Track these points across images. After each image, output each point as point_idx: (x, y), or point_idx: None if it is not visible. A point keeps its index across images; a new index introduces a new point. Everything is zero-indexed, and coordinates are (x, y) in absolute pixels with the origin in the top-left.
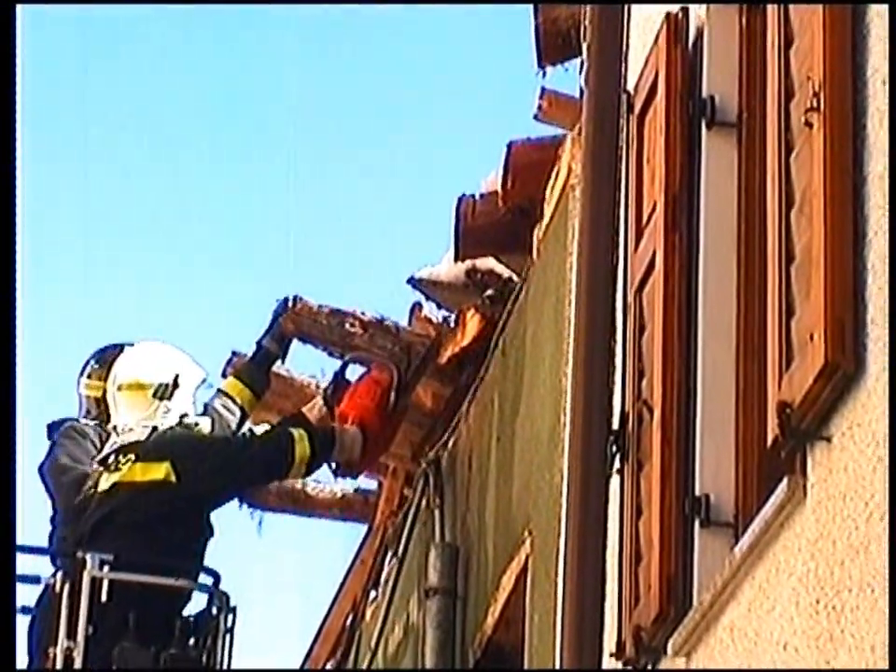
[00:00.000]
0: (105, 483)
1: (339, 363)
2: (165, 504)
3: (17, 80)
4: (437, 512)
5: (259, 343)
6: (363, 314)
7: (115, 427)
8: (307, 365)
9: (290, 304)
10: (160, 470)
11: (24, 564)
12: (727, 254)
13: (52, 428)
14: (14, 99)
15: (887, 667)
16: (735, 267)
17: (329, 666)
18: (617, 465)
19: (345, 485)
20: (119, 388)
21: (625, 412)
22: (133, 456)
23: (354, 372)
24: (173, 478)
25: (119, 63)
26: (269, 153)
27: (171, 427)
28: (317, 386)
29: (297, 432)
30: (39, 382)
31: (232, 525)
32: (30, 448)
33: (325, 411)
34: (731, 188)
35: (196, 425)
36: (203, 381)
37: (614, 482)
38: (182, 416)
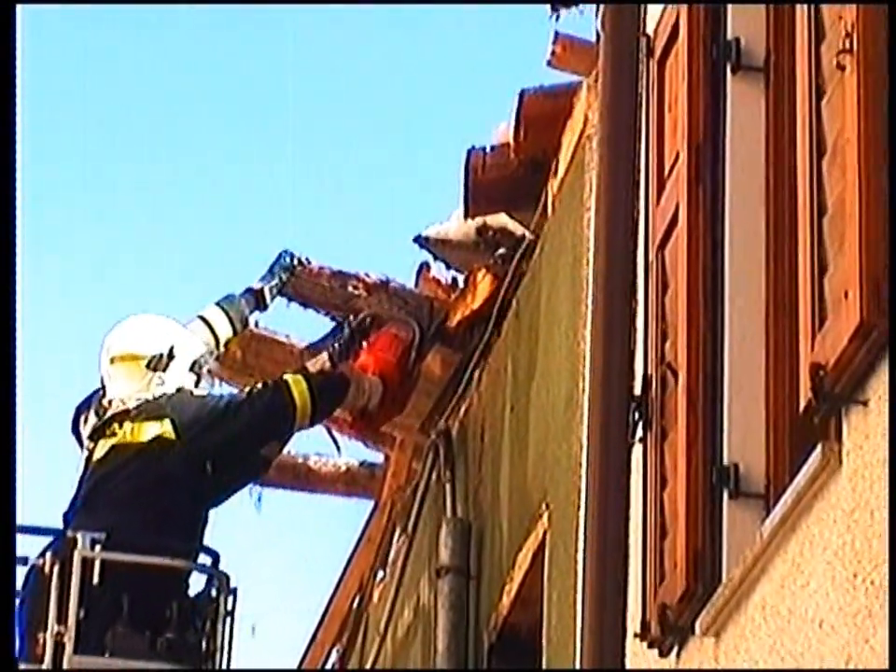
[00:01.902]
0: (100, 450)
1: (345, 325)
2: (164, 464)
3: (17, 80)
4: (448, 486)
5: (249, 288)
6: (367, 275)
7: (110, 402)
8: (307, 331)
9: (291, 260)
10: (157, 428)
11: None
12: (755, 207)
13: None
14: (14, 99)
15: (887, 667)
16: (764, 221)
17: (335, 651)
18: (639, 433)
19: (350, 459)
20: (112, 361)
21: (648, 376)
22: (129, 420)
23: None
24: (172, 435)
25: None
26: (269, 106)
27: (165, 393)
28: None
29: (291, 376)
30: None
31: (230, 502)
32: (31, 434)
33: (329, 369)
34: (758, 136)
35: (191, 393)
36: (206, 354)
37: (636, 451)
38: (178, 389)
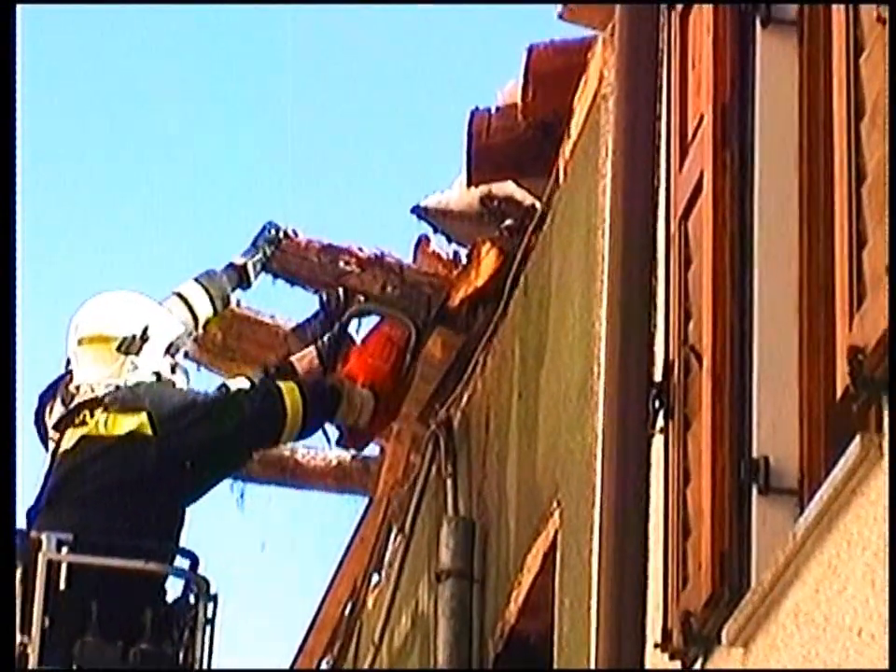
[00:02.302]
0: (68, 441)
1: (333, 307)
2: (139, 461)
3: (17, 80)
4: (449, 482)
5: (231, 264)
6: (360, 249)
7: (77, 387)
8: (294, 310)
9: (276, 233)
10: (133, 422)
11: None
12: (787, 173)
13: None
14: (14, 99)
15: (887, 667)
16: (797, 189)
17: (324, 663)
18: (660, 423)
19: (341, 451)
20: (80, 342)
21: (669, 360)
22: (101, 409)
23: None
24: (148, 430)
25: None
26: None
27: (143, 382)
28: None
29: (284, 384)
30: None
31: (210, 499)
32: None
33: (318, 367)
34: (790, 96)
35: (173, 384)
36: (184, 335)
37: (657, 442)
38: (155, 374)
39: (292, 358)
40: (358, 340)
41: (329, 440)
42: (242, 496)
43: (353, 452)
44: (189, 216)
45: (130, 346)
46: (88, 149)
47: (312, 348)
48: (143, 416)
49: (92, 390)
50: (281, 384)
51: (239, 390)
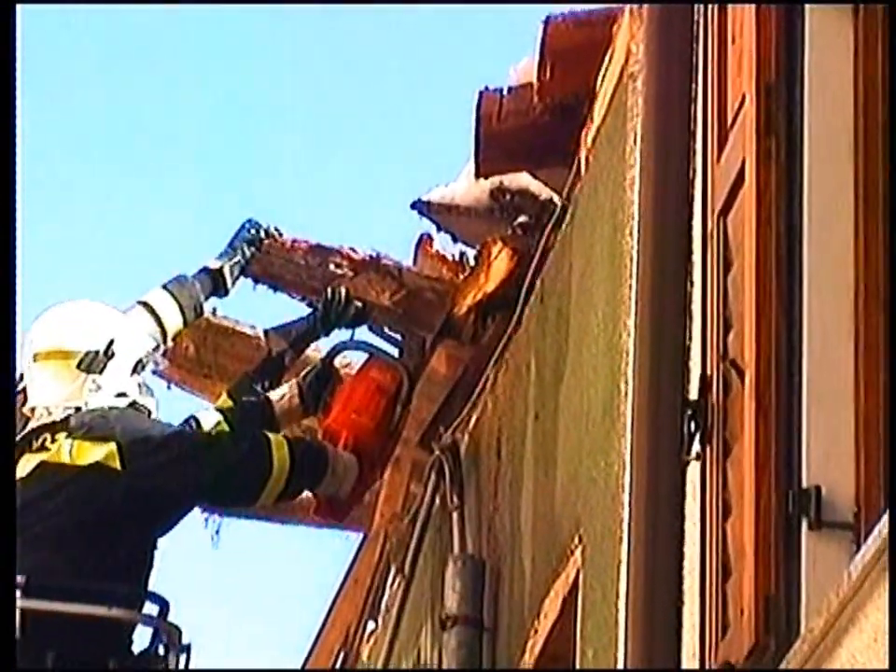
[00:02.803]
0: (24, 467)
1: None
2: (104, 496)
3: (17, 80)
4: (455, 515)
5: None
6: (353, 250)
7: (33, 409)
8: (278, 319)
9: (256, 232)
10: (101, 452)
11: None
12: (840, 162)
13: None
14: (14, 99)
15: (887, 667)
16: (852, 179)
17: None
18: (696, 448)
19: None
20: (36, 358)
21: (707, 377)
22: (64, 434)
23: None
24: (117, 464)
25: None
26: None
27: (115, 407)
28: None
29: (274, 438)
30: None
31: (182, 536)
32: None
33: (300, 409)
34: (844, 74)
35: (145, 408)
36: (151, 352)
37: (693, 470)
38: (120, 395)
39: (271, 395)
40: (344, 373)
41: (316, 512)
42: (218, 532)
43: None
44: (160, 214)
45: (92, 363)
46: (47, 146)
47: (292, 383)
48: (112, 447)
49: (49, 413)
50: (270, 436)
51: (223, 434)
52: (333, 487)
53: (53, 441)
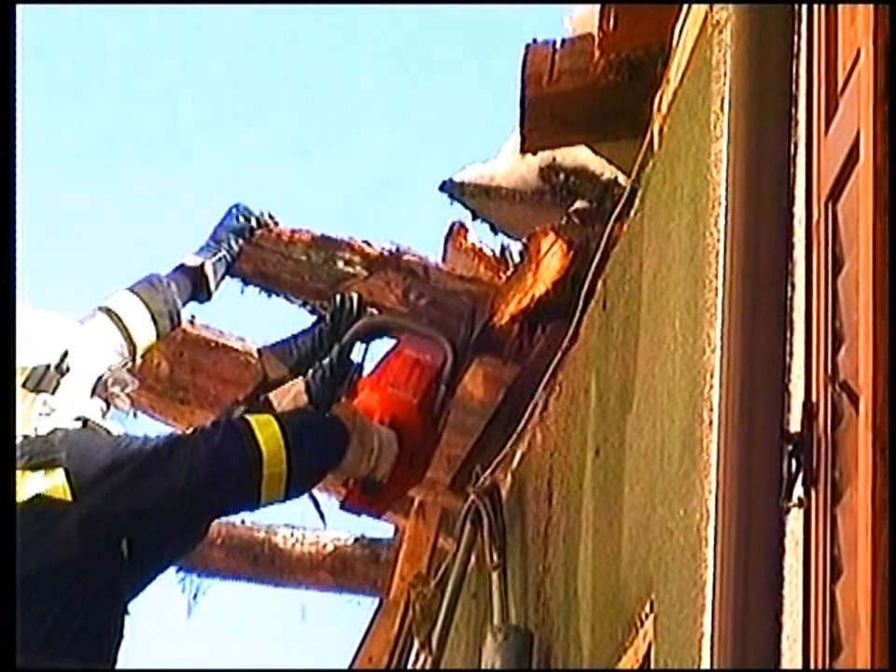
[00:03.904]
0: None
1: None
2: (51, 540)
3: (17, 81)
4: (495, 576)
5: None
6: (367, 243)
7: None
8: (273, 330)
9: (246, 221)
10: (43, 483)
11: None
12: None
13: None
14: (14, 99)
15: (887, 667)
16: None
17: None
18: (799, 492)
19: (339, 532)
20: None
21: (812, 403)
22: None
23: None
24: (66, 494)
25: None
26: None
27: (59, 428)
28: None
29: (254, 417)
30: None
31: (153, 600)
32: None
33: (306, 406)
34: None
35: (107, 432)
36: (116, 368)
37: (794, 520)
38: (81, 420)
39: (271, 395)
40: (369, 368)
41: (323, 517)
42: (195, 596)
43: (360, 532)
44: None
45: (41, 381)
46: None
47: (299, 380)
48: (58, 475)
49: None
50: (250, 417)
51: (194, 430)
52: (366, 464)
53: None
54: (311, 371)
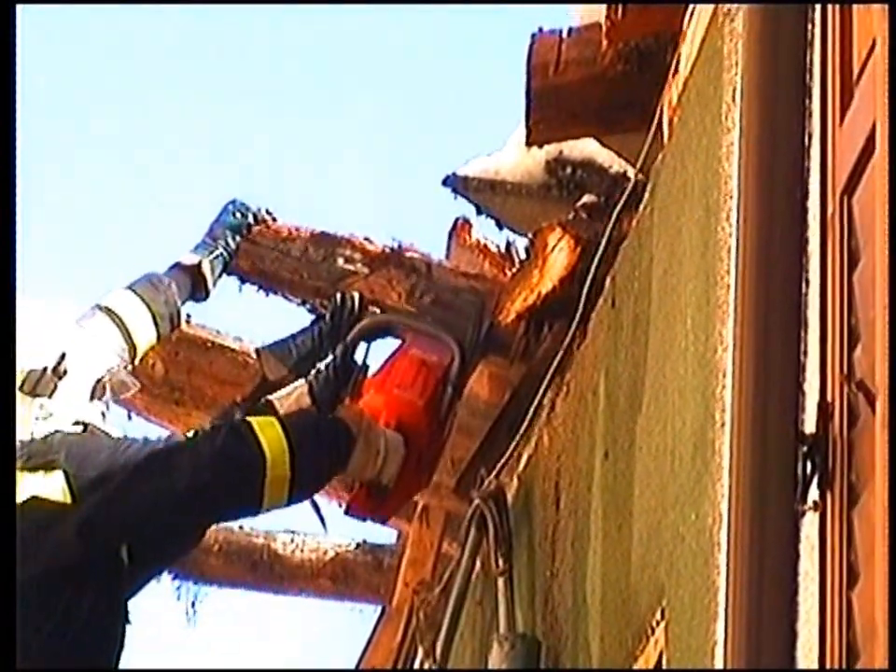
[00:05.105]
0: None
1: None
2: (49, 544)
3: (16, 81)
4: (501, 583)
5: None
6: (367, 240)
7: None
8: (271, 329)
9: (243, 217)
10: (42, 484)
11: None
12: None
13: None
14: (14, 99)
15: (886, 667)
16: None
17: None
18: (814, 495)
19: (340, 539)
20: None
21: (827, 403)
22: None
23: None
24: (65, 495)
25: None
26: None
27: (58, 431)
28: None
29: (256, 419)
30: None
31: (149, 607)
32: None
33: (309, 408)
34: None
35: (106, 435)
36: (116, 370)
37: (809, 524)
38: (81, 425)
39: (272, 397)
40: (374, 369)
41: (324, 522)
42: (193, 605)
43: (362, 538)
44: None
45: (38, 384)
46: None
47: (301, 381)
48: (56, 477)
49: None
50: (252, 419)
51: (195, 433)
52: (372, 468)
53: None
54: (314, 373)
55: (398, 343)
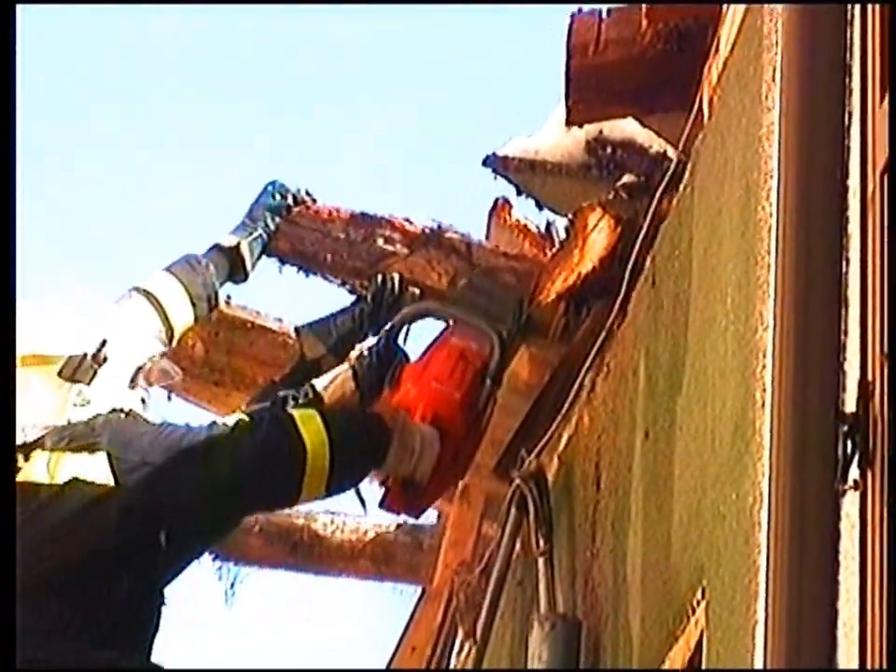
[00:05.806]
0: None
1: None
2: (91, 524)
3: (16, 81)
4: (542, 563)
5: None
6: (408, 221)
7: None
8: (311, 310)
9: (283, 199)
10: (86, 465)
11: None
12: None
13: None
14: (14, 99)
15: (886, 667)
16: None
17: None
18: (854, 474)
19: (380, 520)
20: None
21: (868, 382)
22: (39, 448)
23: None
24: (107, 478)
25: None
26: None
27: (99, 414)
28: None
29: (298, 411)
30: None
31: (188, 589)
32: None
33: (354, 394)
34: None
35: (145, 421)
36: (157, 356)
37: (850, 503)
38: (122, 411)
39: (316, 382)
40: (414, 356)
41: (363, 502)
42: (233, 585)
43: (402, 518)
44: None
45: (77, 370)
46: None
47: (345, 366)
48: (99, 459)
49: (24, 432)
50: (294, 411)
51: (237, 422)
52: (407, 465)
53: (27, 459)
54: (357, 357)
55: (438, 327)
